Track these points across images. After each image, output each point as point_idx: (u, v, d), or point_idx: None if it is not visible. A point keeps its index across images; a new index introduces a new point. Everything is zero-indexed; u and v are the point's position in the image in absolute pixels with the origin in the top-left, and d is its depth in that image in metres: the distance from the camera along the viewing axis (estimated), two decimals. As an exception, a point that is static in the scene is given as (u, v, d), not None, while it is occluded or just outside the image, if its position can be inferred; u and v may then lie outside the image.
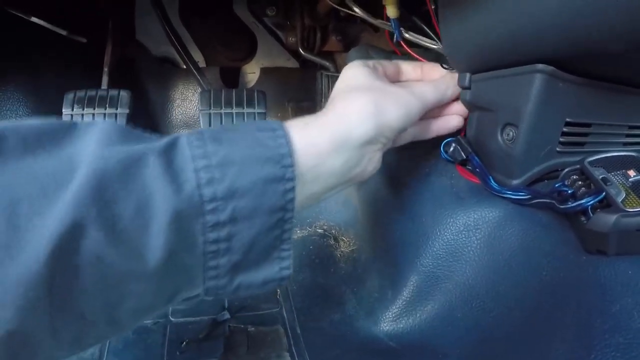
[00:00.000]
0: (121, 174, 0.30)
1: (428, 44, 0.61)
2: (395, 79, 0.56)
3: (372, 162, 0.46)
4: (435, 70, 0.57)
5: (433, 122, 0.57)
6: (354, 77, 0.49)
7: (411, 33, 0.62)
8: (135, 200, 0.30)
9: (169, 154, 0.32)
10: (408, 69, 0.57)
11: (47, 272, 0.26)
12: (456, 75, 0.55)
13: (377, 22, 0.65)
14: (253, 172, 0.33)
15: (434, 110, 0.56)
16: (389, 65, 0.55)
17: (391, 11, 0.61)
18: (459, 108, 0.58)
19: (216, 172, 0.32)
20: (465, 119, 0.58)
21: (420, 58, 0.61)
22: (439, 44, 0.58)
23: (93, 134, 0.31)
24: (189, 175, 0.32)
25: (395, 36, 0.62)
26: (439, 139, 0.60)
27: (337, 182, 0.43)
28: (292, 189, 0.35)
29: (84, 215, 0.28)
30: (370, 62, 0.52)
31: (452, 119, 0.58)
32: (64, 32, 0.82)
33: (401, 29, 0.62)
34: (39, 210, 0.27)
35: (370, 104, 0.44)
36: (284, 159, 0.35)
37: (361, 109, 0.44)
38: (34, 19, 0.78)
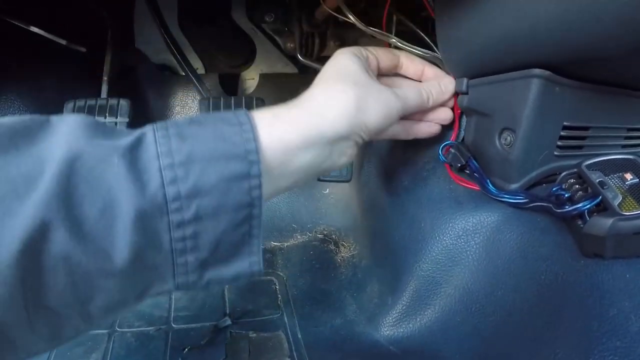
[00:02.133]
0: (87, 175, 0.30)
1: (421, 53, 0.61)
2: (390, 71, 0.55)
3: (344, 155, 0.45)
4: (434, 73, 0.56)
5: (415, 125, 0.57)
6: (344, 65, 0.47)
7: (404, 43, 0.61)
8: (101, 201, 0.30)
9: (134, 152, 0.32)
10: (408, 64, 0.56)
11: (18, 270, 0.27)
12: (443, 81, 0.55)
13: (372, 31, 0.64)
14: (217, 169, 0.33)
15: (418, 114, 0.56)
16: (385, 56, 0.53)
17: None
18: (443, 115, 0.57)
19: (179, 170, 0.32)
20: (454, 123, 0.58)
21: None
22: (434, 51, 0.58)
23: (62, 131, 0.32)
24: (153, 174, 0.31)
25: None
26: (437, 143, 0.60)
27: (306, 175, 0.42)
28: (259, 185, 0.34)
29: (51, 217, 0.28)
30: (365, 51, 0.51)
31: (434, 126, 0.58)
32: (63, 42, 0.83)
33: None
34: (10, 210, 0.28)
35: (351, 102, 0.43)
36: (250, 155, 0.34)
37: (340, 106, 0.43)
38: (33, 29, 0.79)
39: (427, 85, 0.54)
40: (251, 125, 0.36)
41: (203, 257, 0.34)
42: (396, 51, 0.56)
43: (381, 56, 0.53)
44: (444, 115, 0.58)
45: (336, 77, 0.46)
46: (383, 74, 0.54)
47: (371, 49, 0.52)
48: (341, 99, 0.43)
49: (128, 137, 0.33)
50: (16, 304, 0.28)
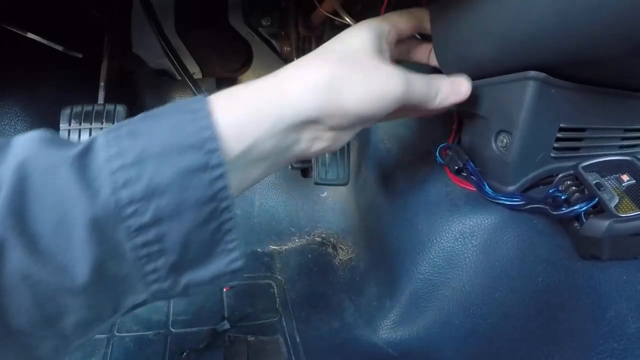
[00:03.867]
0: (38, 190, 0.28)
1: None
2: (413, 33, 0.50)
3: (320, 141, 0.39)
4: None
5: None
6: (343, 40, 0.41)
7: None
8: (55, 215, 0.28)
9: (82, 160, 0.29)
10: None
11: None
12: (457, 80, 0.53)
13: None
14: (172, 164, 0.30)
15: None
16: (403, 21, 0.48)
17: None
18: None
19: (132, 171, 0.29)
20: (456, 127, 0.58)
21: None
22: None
23: (18, 149, 0.30)
24: (104, 179, 0.29)
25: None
26: (434, 146, 0.60)
27: (276, 164, 0.38)
28: (221, 176, 0.31)
29: (5, 236, 0.27)
30: (387, 25, 0.45)
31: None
32: (60, 48, 0.83)
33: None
34: None
35: (322, 78, 0.36)
36: (207, 143, 0.31)
37: (307, 82, 0.36)
38: (30, 35, 0.79)
39: (437, 79, 0.44)
40: (207, 111, 0.32)
41: (173, 260, 0.31)
42: (418, 11, 0.50)
43: (400, 24, 0.47)
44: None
45: (320, 52, 0.40)
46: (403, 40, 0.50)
47: (394, 17, 0.47)
48: (310, 74, 0.36)
49: (79, 146, 0.31)
50: None
